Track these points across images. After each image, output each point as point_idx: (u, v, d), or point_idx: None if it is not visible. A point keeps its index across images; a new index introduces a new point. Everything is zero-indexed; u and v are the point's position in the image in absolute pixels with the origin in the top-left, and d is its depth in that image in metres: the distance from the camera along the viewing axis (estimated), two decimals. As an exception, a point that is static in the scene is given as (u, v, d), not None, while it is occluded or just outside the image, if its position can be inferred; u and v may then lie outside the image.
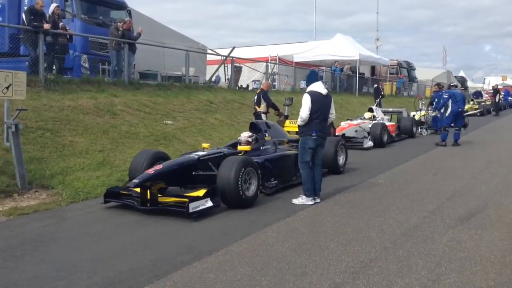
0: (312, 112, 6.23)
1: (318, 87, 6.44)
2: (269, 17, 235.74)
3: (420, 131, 16.11)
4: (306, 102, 6.25)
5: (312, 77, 6.69)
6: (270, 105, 11.33)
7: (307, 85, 6.50)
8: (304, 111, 6.24)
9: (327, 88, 6.99)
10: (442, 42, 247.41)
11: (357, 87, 25.13)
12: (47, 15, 10.64)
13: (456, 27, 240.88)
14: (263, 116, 10.99)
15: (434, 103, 14.62)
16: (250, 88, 19.42)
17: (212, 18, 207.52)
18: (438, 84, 17.25)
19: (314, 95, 6.30)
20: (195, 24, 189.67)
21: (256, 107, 11.34)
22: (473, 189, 7.20)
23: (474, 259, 4.17)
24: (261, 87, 12.41)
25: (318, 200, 6.33)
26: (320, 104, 6.30)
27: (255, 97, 11.56)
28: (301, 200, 6.27)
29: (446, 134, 12.83)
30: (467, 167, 9.40)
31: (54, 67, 10.93)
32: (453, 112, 12.85)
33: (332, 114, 6.51)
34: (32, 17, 10.12)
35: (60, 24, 11.04)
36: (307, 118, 6.24)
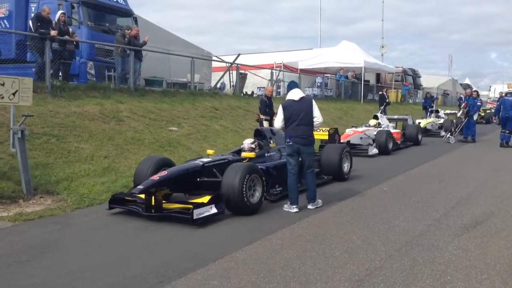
0: (286, 119, 6.30)
1: (292, 94, 6.46)
2: (276, 24, 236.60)
3: (449, 137, 16.00)
4: (278, 113, 6.50)
5: (291, 87, 6.72)
6: (261, 112, 11.28)
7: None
8: (276, 121, 6.57)
9: (306, 93, 7.05)
10: (449, 49, 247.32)
11: (362, 94, 25.15)
12: (53, 22, 10.74)
13: (463, 34, 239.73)
14: (264, 123, 10.94)
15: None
16: (255, 95, 19.46)
17: (220, 25, 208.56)
18: (474, 91, 18.21)
19: (286, 103, 6.41)
20: (203, 31, 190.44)
21: (259, 114, 11.34)
22: (479, 197, 7.16)
23: (480, 268, 4.14)
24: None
25: (310, 207, 6.28)
26: (292, 110, 6.28)
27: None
28: (286, 206, 6.26)
29: (508, 137, 14.25)
30: (473, 174, 9.35)
31: (60, 74, 11.01)
32: (502, 117, 14.71)
33: (316, 117, 6.39)
34: (39, 24, 10.24)
35: (70, 30, 11.16)
36: (280, 127, 6.53)
